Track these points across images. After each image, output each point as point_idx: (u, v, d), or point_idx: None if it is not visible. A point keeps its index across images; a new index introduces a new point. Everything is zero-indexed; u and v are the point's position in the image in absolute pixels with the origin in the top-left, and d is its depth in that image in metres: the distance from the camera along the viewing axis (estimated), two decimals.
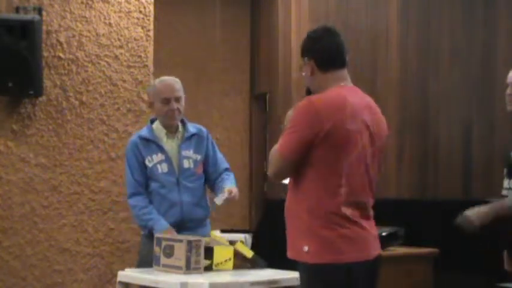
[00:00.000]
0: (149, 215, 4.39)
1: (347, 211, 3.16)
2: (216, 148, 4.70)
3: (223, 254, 4.13)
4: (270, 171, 3.29)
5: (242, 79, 7.21)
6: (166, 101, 4.45)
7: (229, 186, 4.46)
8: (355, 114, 3.19)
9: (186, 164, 4.48)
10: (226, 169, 4.66)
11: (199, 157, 4.53)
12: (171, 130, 4.52)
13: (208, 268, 4.08)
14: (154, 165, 4.44)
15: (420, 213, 6.18)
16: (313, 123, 3.13)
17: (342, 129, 3.14)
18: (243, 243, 4.44)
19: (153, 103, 4.52)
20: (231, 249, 4.16)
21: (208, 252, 4.09)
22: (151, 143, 4.47)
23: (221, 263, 4.12)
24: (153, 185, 4.46)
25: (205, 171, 4.59)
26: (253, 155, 7.20)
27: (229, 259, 4.13)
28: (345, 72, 3.32)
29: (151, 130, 4.52)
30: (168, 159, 4.45)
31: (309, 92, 3.38)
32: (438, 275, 5.59)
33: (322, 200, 3.16)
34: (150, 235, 4.36)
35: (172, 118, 4.48)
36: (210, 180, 4.60)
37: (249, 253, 4.22)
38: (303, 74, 3.37)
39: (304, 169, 3.20)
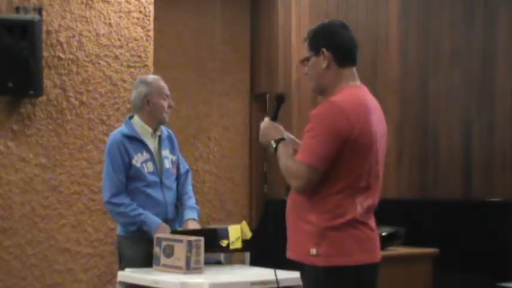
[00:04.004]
0: (137, 211, 4.29)
1: (362, 213, 3.09)
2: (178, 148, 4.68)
3: (234, 233, 4.27)
4: (297, 185, 3.05)
5: (242, 79, 7.21)
6: (167, 97, 4.47)
7: (190, 216, 4.47)
8: (374, 116, 3.11)
9: (166, 164, 4.45)
10: (187, 171, 4.64)
11: (174, 158, 4.53)
12: (157, 128, 4.47)
13: (226, 249, 4.24)
14: (141, 164, 4.36)
15: (420, 213, 6.17)
16: (343, 127, 2.98)
17: (368, 132, 3.05)
18: (247, 223, 4.50)
19: (149, 101, 4.42)
20: (238, 228, 4.29)
21: (223, 232, 4.23)
22: (135, 141, 4.38)
23: (233, 242, 4.24)
24: (137, 184, 4.36)
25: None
26: (253, 155, 7.19)
27: (238, 238, 4.23)
28: (354, 71, 3.18)
29: (133, 127, 4.42)
30: (152, 158, 4.40)
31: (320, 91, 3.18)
32: (438, 275, 5.57)
33: (339, 202, 3.05)
34: (138, 234, 4.28)
35: (168, 114, 4.48)
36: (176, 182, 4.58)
37: (249, 234, 4.33)
38: (307, 67, 3.18)
39: None
